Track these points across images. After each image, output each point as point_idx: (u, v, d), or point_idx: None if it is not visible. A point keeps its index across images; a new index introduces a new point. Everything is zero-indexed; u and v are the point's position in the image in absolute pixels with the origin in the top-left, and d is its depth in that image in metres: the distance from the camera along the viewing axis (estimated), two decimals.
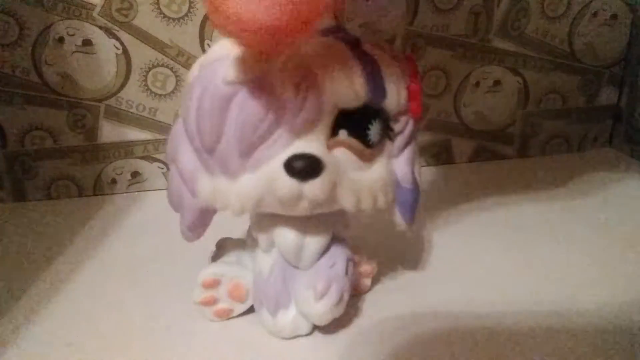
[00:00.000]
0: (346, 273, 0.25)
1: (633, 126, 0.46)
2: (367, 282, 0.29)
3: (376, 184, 0.23)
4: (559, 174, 0.44)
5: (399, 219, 0.25)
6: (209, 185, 0.23)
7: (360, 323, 0.26)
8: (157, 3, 0.38)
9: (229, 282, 0.26)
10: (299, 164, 0.21)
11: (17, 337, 0.26)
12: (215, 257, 0.29)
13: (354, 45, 0.23)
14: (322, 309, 0.24)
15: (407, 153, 0.24)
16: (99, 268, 0.32)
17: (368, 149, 0.23)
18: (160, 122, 0.41)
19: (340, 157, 0.22)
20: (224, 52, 0.22)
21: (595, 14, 0.44)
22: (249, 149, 0.22)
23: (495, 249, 0.33)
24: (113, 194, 0.42)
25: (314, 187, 0.21)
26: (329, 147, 0.22)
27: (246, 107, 0.21)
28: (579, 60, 0.45)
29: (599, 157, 0.47)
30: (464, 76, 0.44)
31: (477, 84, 0.44)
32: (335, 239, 0.25)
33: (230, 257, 0.28)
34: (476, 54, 0.43)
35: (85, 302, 0.29)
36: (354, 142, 0.22)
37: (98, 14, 0.38)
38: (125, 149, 0.41)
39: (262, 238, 0.25)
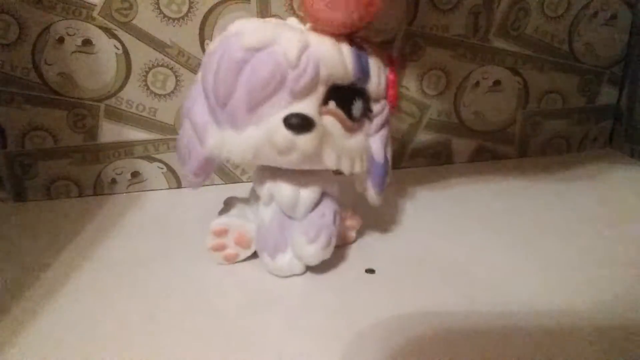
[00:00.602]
0: (334, 222, 0.30)
1: (633, 126, 0.46)
2: (353, 234, 0.34)
3: (355, 151, 0.28)
4: (559, 174, 0.44)
5: (371, 190, 0.30)
6: (217, 137, 0.27)
7: (360, 324, 0.27)
8: (157, 3, 0.38)
9: (235, 231, 0.31)
10: (295, 120, 0.26)
11: (17, 337, 0.26)
12: (223, 212, 0.33)
13: (347, 34, 0.28)
14: (313, 251, 0.29)
15: (382, 133, 0.30)
16: (99, 268, 0.32)
17: (351, 121, 0.28)
18: (160, 122, 0.41)
19: (328, 123, 0.27)
20: (240, 29, 0.27)
21: (595, 14, 0.44)
22: (255, 106, 0.26)
23: (495, 249, 0.33)
24: (113, 194, 0.42)
25: (305, 140, 0.26)
26: (320, 113, 0.27)
27: (257, 70, 0.26)
28: (579, 60, 0.45)
29: (599, 157, 0.47)
30: (464, 76, 0.44)
31: (477, 84, 0.44)
32: (325, 195, 0.30)
33: (236, 211, 0.32)
34: (476, 54, 0.43)
35: (85, 302, 0.29)
36: (339, 112, 0.28)
37: (98, 14, 0.38)
38: (125, 149, 0.41)
39: (263, 193, 0.30)
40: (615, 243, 0.33)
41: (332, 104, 0.27)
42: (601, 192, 0.40)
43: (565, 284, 0.29)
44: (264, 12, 0.39)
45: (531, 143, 0.47)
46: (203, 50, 0.39)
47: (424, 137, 0.45)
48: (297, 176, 0.29)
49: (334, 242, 0.30)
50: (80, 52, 0.38)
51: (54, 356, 0.25)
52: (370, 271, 0.31)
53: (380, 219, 0.36)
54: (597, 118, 0.48)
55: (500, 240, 0.34)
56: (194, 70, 0.40)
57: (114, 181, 0.42)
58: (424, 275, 0.30)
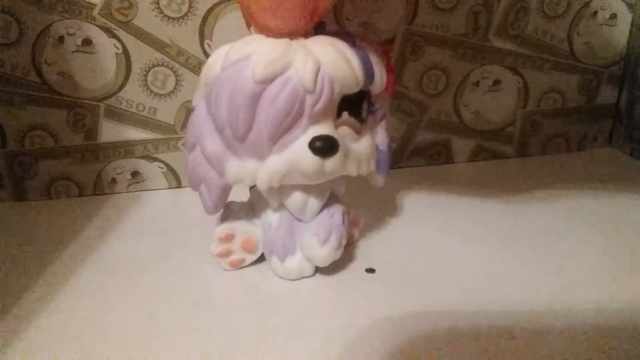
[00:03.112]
0: (343, 222, 0.30)
1: (633, 126, 0.46)
2: (355, 233, 0.34)
3: (367, 151, 0.29)
4: (559, 173, 0.44)
5: (377, 175, 0.30)
6: (237, 167, 0.27)
7: (360, 324, 0.27)
8: (157, 3, 0.38)
9: (241, 236, 0.30)
10: (321, 144, 0.26)
11: (18, 337, 0.26)
12: (225, 217, 0.32)
13: (351, 40, 0.27)
14: (325, 253, 0.29)
15: (383, 123, 0.30)
16: (99, 268, 0.32)
17: (361, 124, 0.28)
18: (160, 121, 0.41)
19: (343, 133, 0.27)
20: (244, 52, 0.26)
21: (594, 14, 0.44)
22: (277, 136, 0.26)
23: (495, 249, 0.33)
24: (113, 193, 0.42)
25: (333, 162, 0.26)
26: (336, 127, 0.27)
27: (275, 102, 0.25)
28: (579, 60, 0.45)
29: (598, 156, 0.47)
30: (464, 76, 0.44)
31: (477, 83, 0.44)
32: (332, 195, 0.30)
33: (239, 215, 0.32)
34: (476, 54, 0.43)
35: (86, 302, 0.29)
36: (352, 120, 0.28)
37: (98, 14, 0.38)
38: (125, 149, 0.41)
39: (273, 200, 0.29)
40: (614, 243, 0.33)
41: (345, 115, 0.27)
42: (601, 191, 0.40)
43: (565, 284, 0.29)
44: None
45: (531, 142, 0.47)
46: (203, 49, 0.39)
47: (423, 136, 0.45)
48: None
49: (344, 242, 0.30)
50: (80, 51, 0.38)
51: (54, 356, 0.25)
52: (371, 271, 0.31)
53: (380, 219, 0.36)
54: (597, 118, 0.48)
55: (500, 240, 0.34)
56: (193, 69, 0.40)
57: (114, 181, 0.42)
58: (423, 275, 0.30)
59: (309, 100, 0.25)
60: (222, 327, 0.27)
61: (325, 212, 0.29)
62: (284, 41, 0.26)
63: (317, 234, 0.29)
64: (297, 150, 0.26)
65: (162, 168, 0.42)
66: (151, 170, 0.42)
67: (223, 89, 0.26)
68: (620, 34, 0.45)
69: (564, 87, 0.46)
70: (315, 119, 0.26)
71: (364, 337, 0.26)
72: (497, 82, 0.44)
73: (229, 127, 0.26)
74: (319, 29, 0.29)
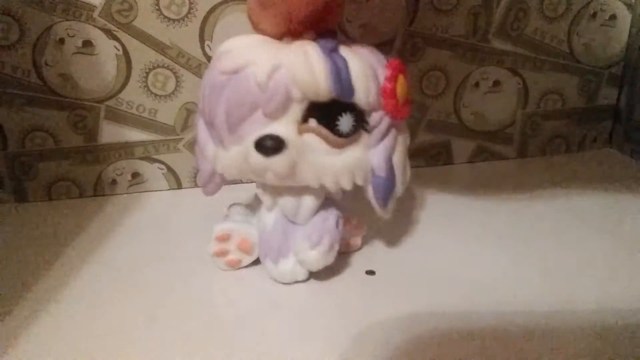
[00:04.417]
0: (336, 227, 0.29)
1: (633, 126, 0.46)
2: (358, 240, 0.33)
3: (342, 168, 0.27)
4: (559, 174, 0.44)
5: (374, 204, 0.29)
6: (213, 152, 0.28)
7: (360, 325, 0.27)
8: (157, 4, 0.38)
9: (238, 236, 0.30)
10: (264, 142, 0.26)
11: (18, 338, 0.26)
12: (227, 217, 0.32)
13: (330, 47, 0.26)
14: (316, 256, 0.29)
15: (384, 145, 0.28)
16: (99, 268, 0.32)
17: (338, 137, 0.27)
18: (160, 123, 0.41)
19: (310, 141, 0.27)
20: (225, 48, 0.27)
21: (594, 15, 0.44)
22: (233, 126, 0.27)
23: (495, 249, 0.33)
24: (113, 194, 0.42)
25: (277, 162, 0.26)
26: (300, 132, 0.27)
27: (232, 92, 0.26)
28: (579, 61, 0.45)
29: (599, 157, 0.47)
30: (463, 76, 0.44)
31: (477, 84, 0.44)
32: (328, 200, 0.30)
33: (239, 217, 0.32)
34: (476, 54, 0.43)
35: (86, 303, 0.29)
36: (322, 130, 0.27)
37: (98, 15, 0.38)
38: (126, 150, 0.41)
39: (265, 198, 0.30)
40: (614, 243, 0.33)
41: (312, 122, 0.27)
42: (601, 192, 0.40)
43: (565, 285, 0.29)
44: None
45: (531, 143, 0.47)
46: (203, 51, 0.39)
47: (423, 137, 0.45)
48: None
49: (336, 247, 0.29)
50: (80, 53, 0.38)
51: (55, 356, 0.25)
52: (371, 272, 0.31)
53: (379, 220, 0.36)
54: (597, 118, 0.48)
55: (500, 241, 0.34)
56: (194, 71, 0.40)
57: (114, 182, 0.42)
58: (423, 276, 0.30)
59: (262, 97, 0.26)
60: (221, 328, 0.27)
61: (319, 216, 0.29)
62: (265, 40, 0.28)
63: (309, 237, 0.29)
64: (246, 146, 0.27)
65: (163, 169, 0.42)
66: (151, 172, 0.42)
67: (204, 79, 0.28)
68: (620, 35, 0.45)
69: (564, 88, 0.46)
70: (273, 118, 0.26)
71: (364, 338, 0.26)
72: (496, 83, 0.45)
73: (203, 113, 0.28)
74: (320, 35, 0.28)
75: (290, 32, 0.27)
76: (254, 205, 0.32)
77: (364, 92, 0.26)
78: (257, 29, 0.28)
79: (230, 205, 0.33)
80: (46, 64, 0.38)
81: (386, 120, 0.27)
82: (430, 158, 0.46)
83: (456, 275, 0.30)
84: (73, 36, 0.38)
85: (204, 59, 0.40)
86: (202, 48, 0.39)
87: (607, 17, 0.44)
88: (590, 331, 0.26)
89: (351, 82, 0.26)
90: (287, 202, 0.29)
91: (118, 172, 0.42)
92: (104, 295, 0.30)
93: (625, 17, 0.45)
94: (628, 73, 0.46)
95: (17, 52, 0.38)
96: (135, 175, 0.42)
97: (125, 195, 0.42)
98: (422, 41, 0.42)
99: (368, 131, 0.28)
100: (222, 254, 0.31)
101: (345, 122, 0.27)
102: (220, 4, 0.38)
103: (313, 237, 0.29)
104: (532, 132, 0.47)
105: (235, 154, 0.27)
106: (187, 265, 0.32)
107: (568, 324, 0.26)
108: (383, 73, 0.27)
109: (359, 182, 0.28)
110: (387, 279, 0.30)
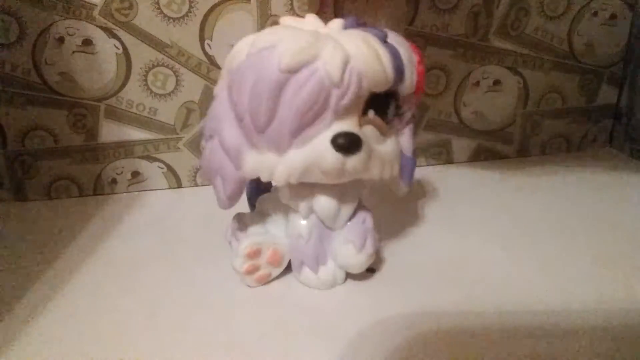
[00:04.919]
0: (374, 227, 0.29)
1: (633, 126, 0.46)
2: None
3: (392, 154, 0.27)
4: (559, 173, 0.44)
5: (400, 182, 0.29)
6: (255, 160, 0.26)
7: (361, 324, 0.27)
8: (157, 3, 0.38)
9: (269, 249, 0.29)
10: (343, 141, 0.25)
11: (18, 337, 0.26)
12: (236, 230, 0.31)
13: (382, 36, 0.26)
14: (363, 259, 0.28)
15: (409, 127, 0.29)
16: (99, 268, 0.32)
17: (386, 125, 0.27)
18: (160, 121, 0.41)
19: (368, 133, 0.26)
20: (271, 41, 0.25)
21: (595, 14, 0.44)
22: (299, 130, 0.25)
23: (495, 249, 0.33)
24: (113, 193, 0.42)
25: (355, 161, 0.25)
26: (360, 125, 0.26)
27: (299, 93, 0.24)
28: (579, 60, 0.45)
29: (598, 157, 0.47)
30: (464, 76, 0.44)
31: (477, 83, 0.44)
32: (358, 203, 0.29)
33: (257, 228, 0.30)
34: (476, 54, 0.43)
35: (85, 302, 0.29)
36: (378, 120, 0.26)
37: (98, 14, 0.38)
38: (126, 149, 0.41)
39: (302, 206, 0.28)
40: (615, 243, 0.33)
41: (371, 113, 0.26)
42: (601, 191, 0.40)
43: (565, 284, 0.29)
44: (264, 12, 0.39)
45: (531, 143, 0.47)
46: (203, 50, 0.39)
47: (424, 137, 0.45)
48: (338, 187, 0.28)
49: (377, 246, 0.29)
50: (80, 51, 0.38)
51: (55, 356, 0.25)
52: (371, 270, 0.31)
53: (380, 219, 0.36)
54: (597, 118, 0.48)
55: (500, 240, 0.34)
56: (194, 70, 0.40)
57: (114, 181, 0.42)
58: (424, 275, 0.30)
59: (335, 94, 0.24)
60: (222, 327, 0.27)
61: (356, 218, 0.29)
62: (313, 32, 0.25)
63: (352, 241, 0.28)
64: (318, 146, 0.25)
65: (162, 168, 0.42)
66: (151, 171, 0.42)
67: (247, 76, 0.25)
68: (620, 34, 0.45)
69: (564, 88, 0.46)
70: (340, 115, 0.25)
71: (365, 337, 0.26)
72: (497, 82, 0.44)
73: (250, 116, 0.25)
74: (349, 24, 0.27)
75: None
76: (266, 213, 0.31)
77: (409, 78, 0.27)
78: None
79: (237, 216, 0.31)
80: (46, 63, 0.38)
81: (413, 103, 0.28)
82: (431, 157, 0.46)
83: (456, 274, 0.30)
84: (73, 35, 0.38)
85: (204, 58, 0.39)
86: (202, 47, 0.39)
87: (607, 17, 0.44)
88: (590, 330, 0.26)
89: (404, 70, 0.26)
90: (325, 208, 0.28)
91: (118, 171, 0.42)
92: (104, 293, 0.30)
93: (625, 17, 0.45)
94: (628, 72, 0.46)
95: (17, 50, 0.38)
96: (135, 174, 0.42)
97: (125, 194, 0.42)
98: (423, 40, 0.42)
99: (399, 116, 0.28)
100: (253, 270, 0.29)
101: (391, 108, 0.27)
102: (220, 2, 0.38)
103: (357, 241, 0.28)
104: (532, 131, 0.47)
105: (301, 157, 0.25)
106: (187, 263, 0.32)
107: (568, 324, 0.26)
108: (415, 58, 0.27)
109: (396, 171, 0.28)
110: (388, 277, 0.30)
